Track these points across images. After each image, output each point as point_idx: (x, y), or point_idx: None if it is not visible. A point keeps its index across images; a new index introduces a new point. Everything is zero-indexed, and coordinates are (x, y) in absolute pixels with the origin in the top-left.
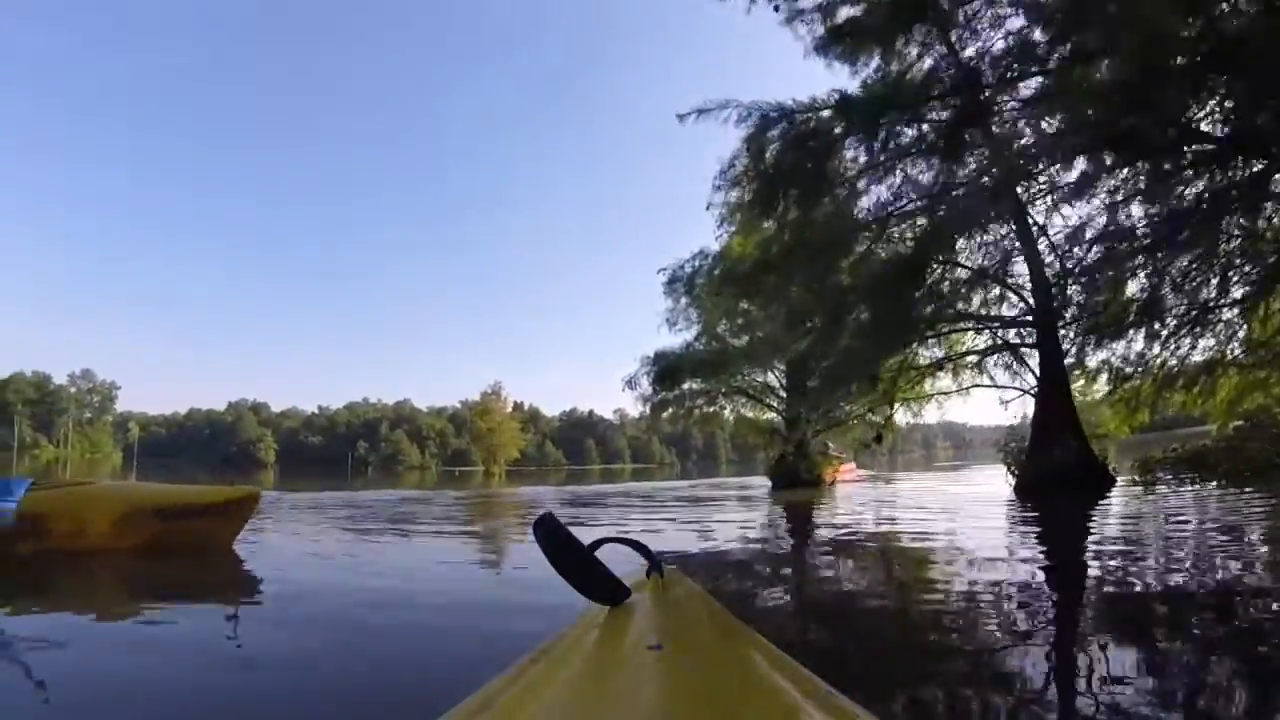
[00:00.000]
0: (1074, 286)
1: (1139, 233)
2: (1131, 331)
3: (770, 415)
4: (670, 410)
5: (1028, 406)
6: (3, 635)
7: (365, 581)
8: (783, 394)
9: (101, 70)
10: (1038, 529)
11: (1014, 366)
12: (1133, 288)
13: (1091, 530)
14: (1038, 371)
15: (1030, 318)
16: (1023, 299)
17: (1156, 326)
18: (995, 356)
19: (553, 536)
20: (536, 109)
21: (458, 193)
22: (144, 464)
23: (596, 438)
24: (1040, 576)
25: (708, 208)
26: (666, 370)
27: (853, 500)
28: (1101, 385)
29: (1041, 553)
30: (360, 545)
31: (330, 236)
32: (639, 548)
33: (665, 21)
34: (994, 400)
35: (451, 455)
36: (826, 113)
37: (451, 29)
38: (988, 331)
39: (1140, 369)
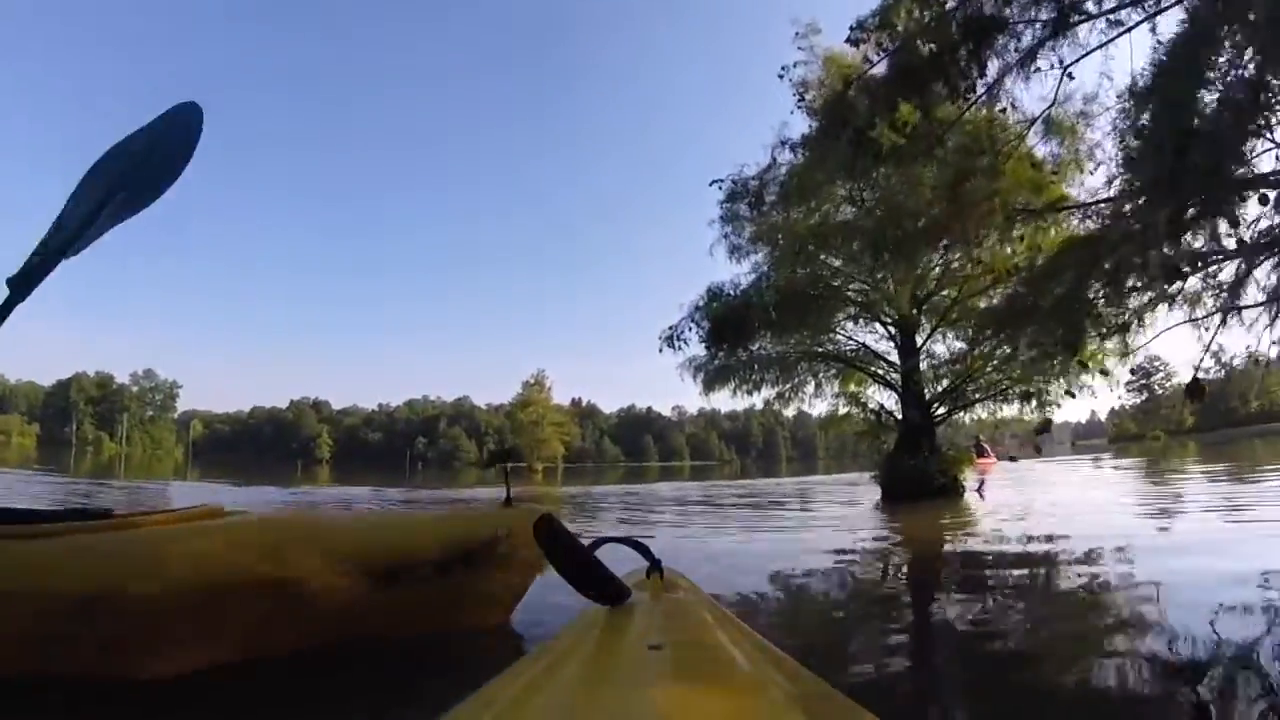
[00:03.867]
0: None
1: None
2: None
3: (875, 390)
4: (733, 383)
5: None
6: None
7: None
8: (894, 359)
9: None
10: None
11: None
12: None
13: None
14: None
15: None
16: None
17: None
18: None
19: (553, 537)
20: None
21: (530, 192)
22: (207, 460)
23: (654, 434)
24: None
25: (781, 74)
26: (726, 321)
27: (1056, 516)
28: None
29: None
30: None
31: (395, 238)
32: (639, 548)
33: None
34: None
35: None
36: None
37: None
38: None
39: None
